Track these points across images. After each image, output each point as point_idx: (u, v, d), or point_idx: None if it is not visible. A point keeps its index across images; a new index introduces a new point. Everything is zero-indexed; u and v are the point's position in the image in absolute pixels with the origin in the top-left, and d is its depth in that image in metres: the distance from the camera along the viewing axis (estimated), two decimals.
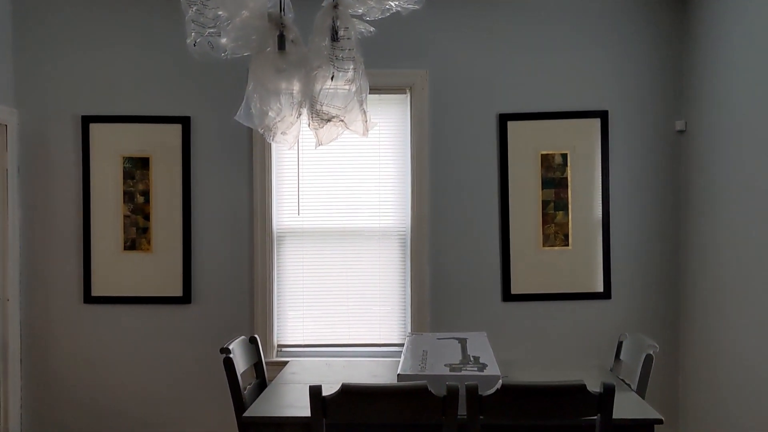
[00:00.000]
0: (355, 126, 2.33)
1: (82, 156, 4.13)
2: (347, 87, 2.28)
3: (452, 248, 4.19)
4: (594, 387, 2.33)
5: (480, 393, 2.30)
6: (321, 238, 4.23)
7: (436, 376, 2.48)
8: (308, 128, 2.44)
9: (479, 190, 4.19)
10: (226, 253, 4.17)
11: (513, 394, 2.30)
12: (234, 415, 3.96)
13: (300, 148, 4.16)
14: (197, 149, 4.16)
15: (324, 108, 2.25)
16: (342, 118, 2.29)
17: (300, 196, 4.21)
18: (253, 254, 4.16)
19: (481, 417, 2.32)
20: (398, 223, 4.23)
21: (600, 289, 4.20)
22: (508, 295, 4.19)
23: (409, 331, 4.17)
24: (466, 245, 4.19)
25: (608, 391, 2.30)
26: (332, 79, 2.23)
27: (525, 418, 2.34)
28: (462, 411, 2.33)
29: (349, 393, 2.29)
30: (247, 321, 4.16)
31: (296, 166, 4.19)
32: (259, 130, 2.40)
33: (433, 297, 4.17)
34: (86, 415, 4.14)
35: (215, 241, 4.17)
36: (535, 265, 4.19)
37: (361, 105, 2.32)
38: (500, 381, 2.32)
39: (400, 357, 4.13)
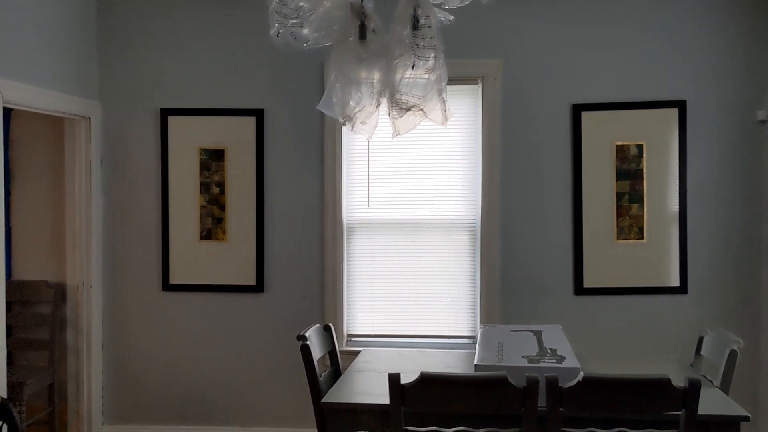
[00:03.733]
0: (434, 115, 2.34)
1: (160, 148, 4.25)
2: (427, 76, 2.28)
3: (523, 240, 4.15)
4: (676, 382, 2.27)
5: (560, 385, 2.28)
6: (390, 230, 4.24)
7: (515, 368, 2.46)
8: (387, 117, 2.44)
9: (551, 181, 4.13)
10: (298, 244, 4.24)
11: (595, 387, 2.26)
12: (309, 401, 4.02)
13: (371, 139, 4.18)
14: (270, 141, 4.23)
15: (404, 97, 2.25)
16: (421, 107, 2.29)
17: (370, 188, 4.23)
18: (323, 245, 4.21)
19: (562, 409, 2.29)
20: (468, 215, 4.21)
21: (676, 283, 4.09)
22: (580, 289, 4.12)
23: (479, 323, 4.15)
24: (538, 238, 4.14)
25: (694, 386, 2.24)
26: (413, 67, 2.23)
27: (606, 412, 2.30)
28: (541, 403, 2.31)
29: (428, 381, 2.30)
30: (318, 310, 4.22)
31: (366, 158, 4.22)
32: (340, 119, 2.43)
33: (503, 289, 4.14)
34: (163, 399, 4.27)
35: (287, 231, 4.24)
36: (609, 259, 4.11)
37: (441, 94, 2.32)
38: (581, 373, 2.29)
39: (470, 349, 4.14)
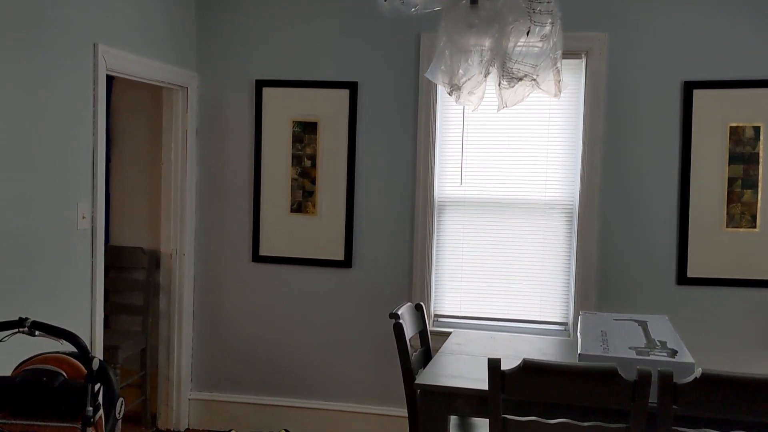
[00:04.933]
0: (546, 86, 2.19)
1: (254, 119, 4.25)
2: (542, 44, 2.13)
3: (623, 225, 3.94)
4: None
5: (675, 380, 2.11)
6: (483, 209, 4.11)
7: (624, 359, 2.31)
8: (496, 88, 2.31)
9: (657, 163, 3.90)
10: (388, 220, 4.16)
11: (714, 385, 2.10)
12: (394, 379, 3.97)
13: (473, 113, 4.05)
14: (363, 114, 4.16)
15: (516, 66, 2.12)
16: (534, 76, 2.15)
17: (463, 165, 4.10)
18: (414, 222, 4.12)
19: (675, 406, 2.13)
20: (565, 197, 4.03)
21: None
22: (683, 278, 3.89)
23: (572, 310, 3.98)
24: (640, 222, 3.92)
25: None
26: (528, 34, 2.09)
27: (724, 412, 2.13)
28: (652, 398, 2.16)
29: (530, 369, 2.18)
30: (406, 289, 4.14)
31: (461, 135, 4.09)
32: (446, 89, 2.32)
33: (600, 276, 3.95)
34: (250, 369, 4.31)
35: (377, 207, 4.17)
36: (717, 247, 3.85)
37: (555, 63, 2.17)
38: (699, 369, 2.12)
39: (562, 336, 3.98)
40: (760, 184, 3.82)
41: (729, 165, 3.84)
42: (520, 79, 2.16)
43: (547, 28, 2.10)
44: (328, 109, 4.18)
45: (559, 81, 2.20)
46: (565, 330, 4.04)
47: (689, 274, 3.89)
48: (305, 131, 4.22)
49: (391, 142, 4.14)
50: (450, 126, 4.11)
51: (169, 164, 4.20)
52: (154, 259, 4.29)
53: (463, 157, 4.10)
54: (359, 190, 4.18)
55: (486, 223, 4.11)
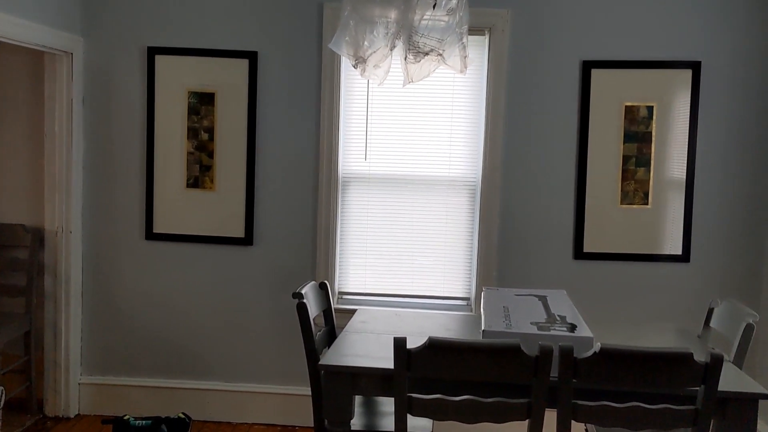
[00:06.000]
0: (452, 61, 2.15)
1: (147, 89, 4.01)
2: (448, 18, 2.08)
3: (524, 201, 4.00)
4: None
5: (575, 355, 2.15)
6: (387, 185, 4.07)
7: (526, 335, 2.33)
8: (402, 62, 2.25)
9: (557, 141, 3.97)
10: (290, 196, 4.05)
11: (612, 359, 2.14)
12: (296, 358, 3.91)
13: (375, 87, 3.98)
14: (264, 86, 4.01)
15: (422, 40, 2.06)
16: (440, 51, 2.10)
17: (368, 141, 4.04)
18: (317, 198, 4.03)
19: (574, 380, 2.17)
20: (469, 173, 4.04)
21: (678, 251, 3.98)
22: (580, 253, 4.00)
23: (474, 285, 4.03)
24: (540, 199, 3.99)
25: (716, 362, 2.13)
26: (434, 7, 2.03)
27: (622, 385, 2.19)
28: (554, 373, 2.18)
29: (436, 347, 2.16)
30: (309, 266, 4.06)
31: (365, 109, 4.02)
32: (351, 61, 2.23)
33: (501, 251, 4.00)
34: (145, 350, 4.12)
35: (279, 182, 4.05)
36: (611, 223, 3.98)
37: (461, 39, 2.12)
38: (598, 344, 2.16)
39: (464, 311, 4.03)
40: (652, 163, 3.96)
41: (624, 143, 3.96)
42: (426, 53, 2.11)
43: (454, 1, 2.05)
44: (227, 80, 4.00)
45: (465, 57, 2.16)
46: (467, 305, 4.08)
47: (585, 249, 4.00)
48: (202, 102, 4.02)
49: (293, 116, 4.02)
50: (354, 100, 4.03)
51: (52, 135, 3.91)
52: (37, 237, 4.00)
53: (368, 133, 4.03)
54: (260, 164, 4.04)
55: (390, 199, 4.08)
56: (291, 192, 4.05)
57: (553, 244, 4.00)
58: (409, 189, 4.06)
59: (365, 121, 4.02)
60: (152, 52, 3.99)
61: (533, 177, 3.99)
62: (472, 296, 4.05)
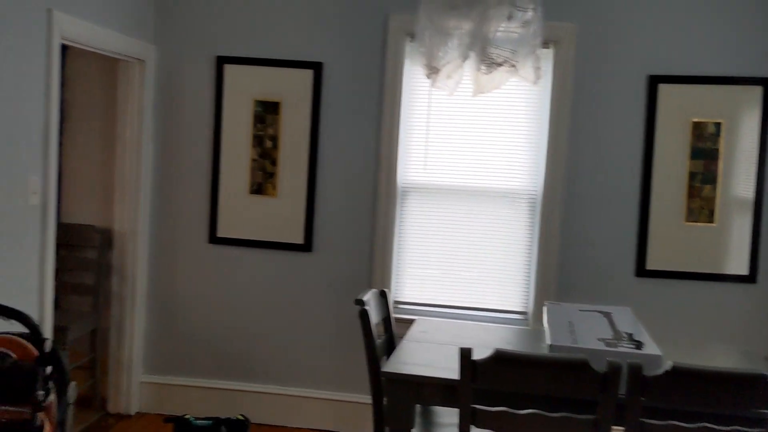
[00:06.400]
0: (525, 72, 2.15)
1: (215, 97, 4.11)
2: (523, 29, 2.09)
3: (585, 216, 3.96)
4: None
5: (644, 373, 2.12)
6: (446, 196, 4.08)
7: (593, 351, 2.31)
8: (474, 73, 2.26)
9: (621, 156, 3.92)
10: (349, 204, 4.10)
11: (683, 378, 2.11)
12: (352, 365, 3.94)
13: (431, 100, 4.00)
14: (327, 96, 4.07)
15: (496, 51, 2.07)
16: (513, 62, 2.11)
17: (428, 151, 4.06)
18: (376, 207, 4.06)
19: (643, 399, 2.14)
20: (529, 186, 4.02)
21: (745, 271, 3.88)
22: (642, 271, 3.94)
23: (532, 299, 3.99)
24: (601, 214, 3.95)
25: None
26: (509, 19, 2.04)
27: (692, 405, 2.15)
28: (621, 390, 2.16)
29: (503, 359, 2.15)
30: (366, 274, 4.09)
31: (426, 120, 4.04)
32: (425, 71, 2.25)
33: (560, 266, 3.97)
34: (205, 352, 4.20)
35: (339, 191, 4.10)
36: (676, 241, 3.90)
37: (535, 50, 2.13)
38: (670, 362, 2.13)
39: (520, 325, 3.99)
40: (719, 180, 3.88)
41: (690, 160, 3.89)
42: (500, 64, 2.12)
43: (530, 14, 2.06)
44: (292, 89, 4.08)
45: (539, 68, 2.17)
46: (524, 319, 4.05)
47: (648, 267, 3.94)
48: (267, 111, 4.10)
49: (355, 125, 4.07)
50: (415, 111, 4.06)
51: (123, 140, 4.04)
52: (106, 238, 4.13)
53: (428, 143, 4.05)
54: (321, 172, 4.10)
55: (449, 209, 4.08)
56: (350, 200, 4.09)
57: (615, 261, 3.95)
58: (468, 200, 4.06)
59: (426, 132, 4.04)
60: (221, 61, 4.09)
61: (595, 192, 3.94)
62: (530, 311, 4.02)
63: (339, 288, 4.10)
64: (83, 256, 4.17)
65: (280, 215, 4.12)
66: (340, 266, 4.12)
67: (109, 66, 4.19)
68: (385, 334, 3.13)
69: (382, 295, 3.15)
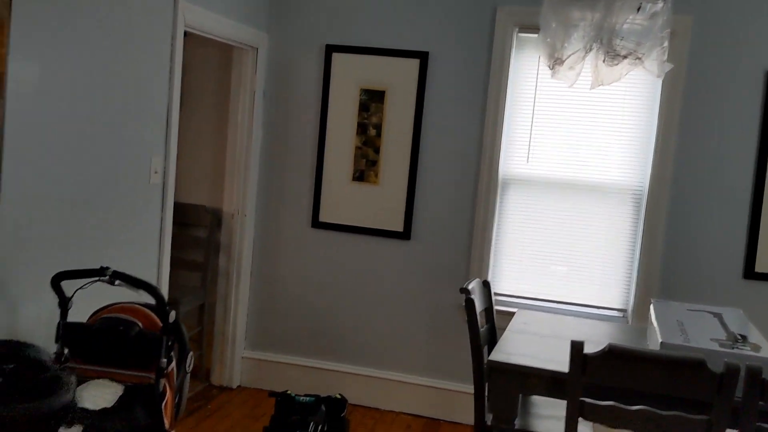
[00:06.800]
0: (650, 65, 2.12)
1: (322, 84, 4.22)
2: (650, 21, 2.06)
3: (693, 215, 3.85)
4: None
5: (764, 376, 2.06)
6: (548, 189, 4.05)
7: (708, 351, 2.26)
8: (595, 64, 2.25)
9: (733, 153, 3.79)
10: (449, 194, 4.13)
11: None
12: (446, 352, 4.00)
13: (537, 91, 3.98)
14: (432, 85, 4.11)
15: (622, 43, 2.05)
16: (639, 55, 2.08)
17: (531, 143, 4.04)
18: (476, 198, 4.08)
19: (761, 403, 2.09)
20: (634, 181, 3.94)
21: None
22: (751, 273, 3.80)
23: (632, 297, 3.92)
24: (710, 213, 3.83)
25: None
26: (638, 11, 2.02)
27: None
28: (737, 392, 2.11)
29: (615, 354, 2.15)
30: (463, 264, 4.12)
31: (530, 111, 4.02)
32: (547, 62, 2.26)
33: (664, 264, 3.88)
34: (304, 331, 4.34)
35: (440, 180, 4.13)
36: None
37: (663, 43, 2.09)
38: None
39: (619, 322, 3.93)
40: None
41: None
42: (624, 57, 2.10)
43: (659, 5, 2.03)
44: (397, 79, 4.13)
45: (664, 61, 2.13)
46: (623, 317, 3.98)
47: (757, 269, 3.80)
48: (372, 99, 4.18)
49: (458, 116, 4.09)
50: (520, 102, 4.04)
51: (235, 125, 4.21)
52: (216, 218, 4.33)
53: (532, 135, 4.03)
54: (423, 162, 4.15)
55: (550, 203, 4.05)
56: (451, 190, 4.13)
57: (722, 261, 3.83)
58: (571, 193, 4.02)
59: (530, 123, 4.02)
60: (330, 49, 4.19)
61: (704, 189, 3.83)
62: (630, 308, 3.95)
63: (435, 277, 4.15)
64: (194, 234, 4.38)
65: (380, 203, 4.20)
66: (437, 255, 4.16)
67: (223, 53, 4.37)
68: (487, 323, 3.16)
69: (485, 285, 3.17)
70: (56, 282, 2.48)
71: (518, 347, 2.70)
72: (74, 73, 2.75)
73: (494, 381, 2.49)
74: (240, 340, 4.37)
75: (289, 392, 3.59)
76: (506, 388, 2.46)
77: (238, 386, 4.40)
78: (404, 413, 4.22)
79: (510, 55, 3.97)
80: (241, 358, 4.40)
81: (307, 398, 3.40)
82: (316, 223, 4.29)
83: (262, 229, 4.36)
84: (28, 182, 2.57)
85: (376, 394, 4.25)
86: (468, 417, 4.08)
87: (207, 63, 4.47)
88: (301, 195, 4.30)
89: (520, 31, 3.98)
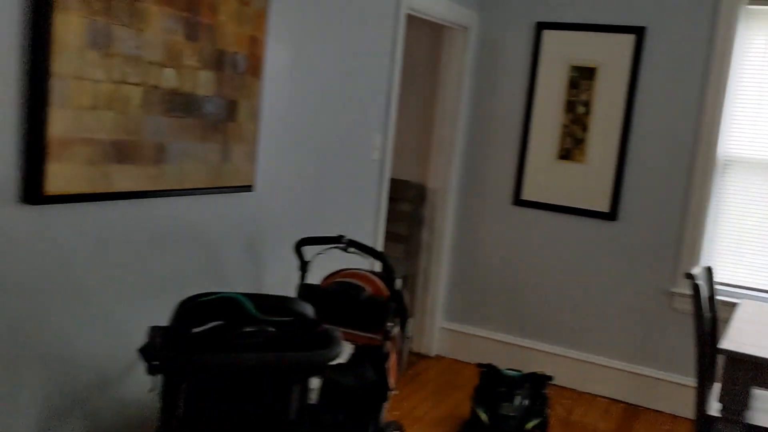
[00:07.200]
0: None
1: (531, 62, 4.21)
2: None
3: None
4: None
5: None
6: None
7: None
8: None
9: None
10: (661, 175, 3.98)
11: None
12: (651, 338, 3.91)
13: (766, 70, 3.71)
14: (648, 62, 3.96)
15: None
16: None
17: (758, 123, 3.78)
18: (691, 180, 3.90)
19: None
20: None
21: None
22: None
23: None
24: None
25: None
26: None
27: None
28: None
29: None
30: (673, 249, 3.97)
31: (758, 90, 3.75)
32: None
33: None
34: (500, 306, 4.41)
35: (652, 160, 3.99)
36: None
37: None
38: None
39: None
40: None
41: None
42: None
43: None
44: (609, 55, 4.03)
45: None
46: None
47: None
48: (582, 77, 4.11)
49: (674, 94, 3.92)
50: (746, 80, 3.79)
51: (443, 103, 4.32)
52: (420, 193, 4.49)
53: (759, 115, 3.77)
54: (633, 141, 4.03)
55: None
56: (663, 171, 3.98)
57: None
58: None
59: (757, 103, 3.76)
60: (540, 27, 4.17)
61: None
62: None
63: (642, 260, 4.04)
64: (399, 208, 4.57)
65: (586, 182, 4.14)
66: (645, 239, 4.04)
67: (434, 34, 4.48)
68: (709, 312, 3.04)
69: (709, 272, 3.05)
70: (299, 246, 2.73)
71: (750, 338, 2.58)
72: (317, 58, 2.97)
73: (728, 371, 2.40)
74: (438, 311, 4.52)
75: (494, 365, 3.69)
76: (739, 379, 2.37)
77: (436, 355, 4.57)
78: (601, 396, 4.17)
79: (735, 29, 3.73)
80: (439, 328, 4.56)
81: (514, 372, 3.48)
82: (518, 201, 4.32)
83: (464, 204, 4.46)
84: (275, 155, 2.83)
85: (573, 374, 4.24)
86: (669, 405, 3.96)
87: (419, 44, 4.61)
88: (504, 172, 4.35)
89: (750, 3, 3.73)
